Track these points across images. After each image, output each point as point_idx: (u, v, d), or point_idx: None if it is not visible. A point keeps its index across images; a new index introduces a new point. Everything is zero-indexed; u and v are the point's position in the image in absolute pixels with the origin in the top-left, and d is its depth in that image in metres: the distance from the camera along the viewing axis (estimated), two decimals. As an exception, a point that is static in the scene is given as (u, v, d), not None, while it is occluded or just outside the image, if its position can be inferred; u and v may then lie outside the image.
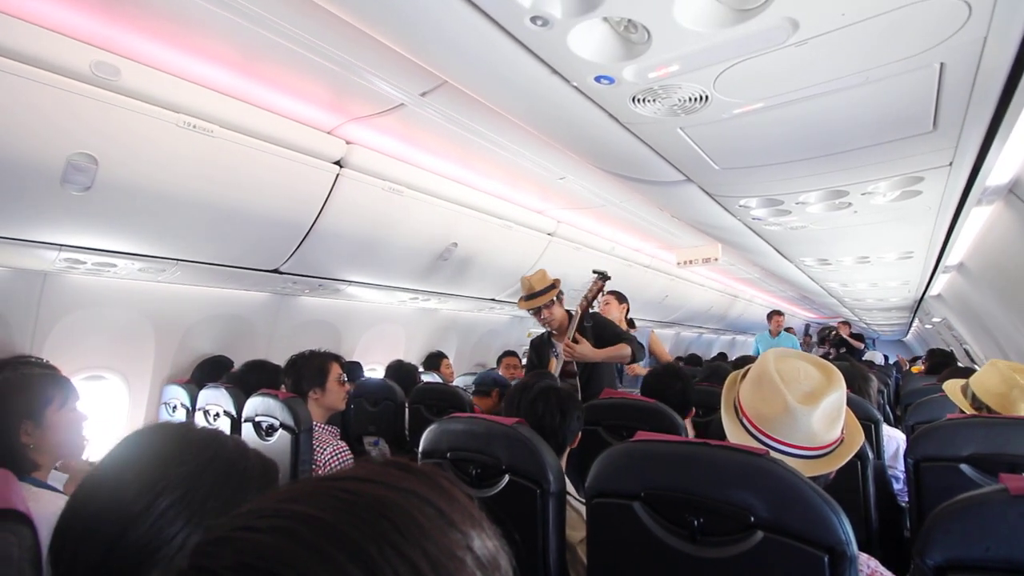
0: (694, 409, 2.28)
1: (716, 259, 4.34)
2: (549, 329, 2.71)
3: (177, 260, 2.44)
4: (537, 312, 2.61)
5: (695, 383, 2.44)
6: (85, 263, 2.28)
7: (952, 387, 1.97)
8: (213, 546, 0.29)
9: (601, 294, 2.62)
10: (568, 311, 2.72)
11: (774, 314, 6.27)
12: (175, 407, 2.78)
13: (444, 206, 3.00)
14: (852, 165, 1.97)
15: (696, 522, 0.91)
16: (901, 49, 1.20)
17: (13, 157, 1.71)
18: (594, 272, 2.66)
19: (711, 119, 1.57)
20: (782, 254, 3.89)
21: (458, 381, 4.35)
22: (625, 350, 2.54)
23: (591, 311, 2.74)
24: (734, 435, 1.06)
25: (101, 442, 1.75)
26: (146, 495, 0.59)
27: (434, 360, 4.39)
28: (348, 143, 2.43)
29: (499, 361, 4.71)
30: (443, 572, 0.30)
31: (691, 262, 4.52)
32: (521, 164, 2.69)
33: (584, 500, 1.43)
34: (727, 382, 1.20)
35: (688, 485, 0.92)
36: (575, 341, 2.57)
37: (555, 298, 2.62)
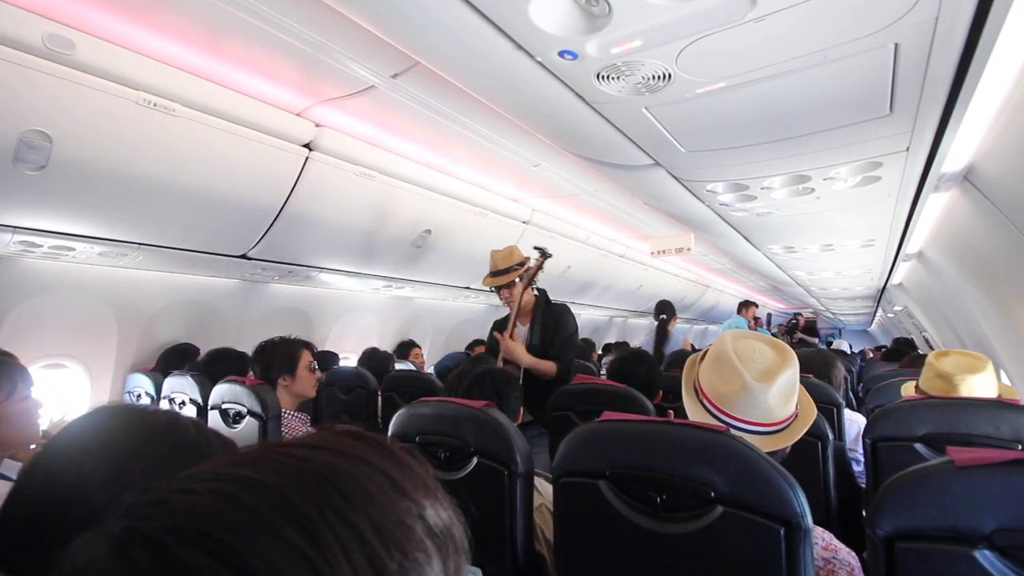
0: (661, 393, 2.33)
1: (689, 249, 4.40)
2: (511, 309, 2.53)
3: (139, 244, 2.36)
4: (499, 290, 2.51)
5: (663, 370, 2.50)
6: (41, 246, 2.19)
7: (908, 389, 2.06)
8: (148, 507, 0.28)
9: (541, 272, 2.45)
10: (540, 293, 2.57)
11: (750, 305, 6.35)
12: (139, 396, 2.70)
13: (418, 192, 2.97)
14: (813, 149, 2.00)
15: (659, 499, 0.93)
16: (857, 28, 1.22)
17: (-42, 133, 1.62)
18: (535, 248, 2.49)
19: (675, 98, 1.57)
20: (750, 242, 3.97)
21: (431, 369, 4.33)
22: (553, 368, 2.35)
23: (537, 291, 2.55)
24: (695, 415, 1.10)
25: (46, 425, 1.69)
26: (111, 487, 0.58)
27: (404, 349, 4.37)
28: (318, 126, 2.38)
29: (471, 348, 4.71)
30: (389, 538, 0.29)
31: (665, 252, 4.58)
32: (496, 151, 2.67)
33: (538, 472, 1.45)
34: (687, 364, 1.24)
35: (652, 463, 0.94)
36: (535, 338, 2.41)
37: (519, 278, 2.47)
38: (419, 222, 3.19)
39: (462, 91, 1.86)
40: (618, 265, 5.50)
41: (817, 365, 2.31)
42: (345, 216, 2.81)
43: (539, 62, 1.40)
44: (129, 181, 2.01)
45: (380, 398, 2.77)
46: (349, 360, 4.02)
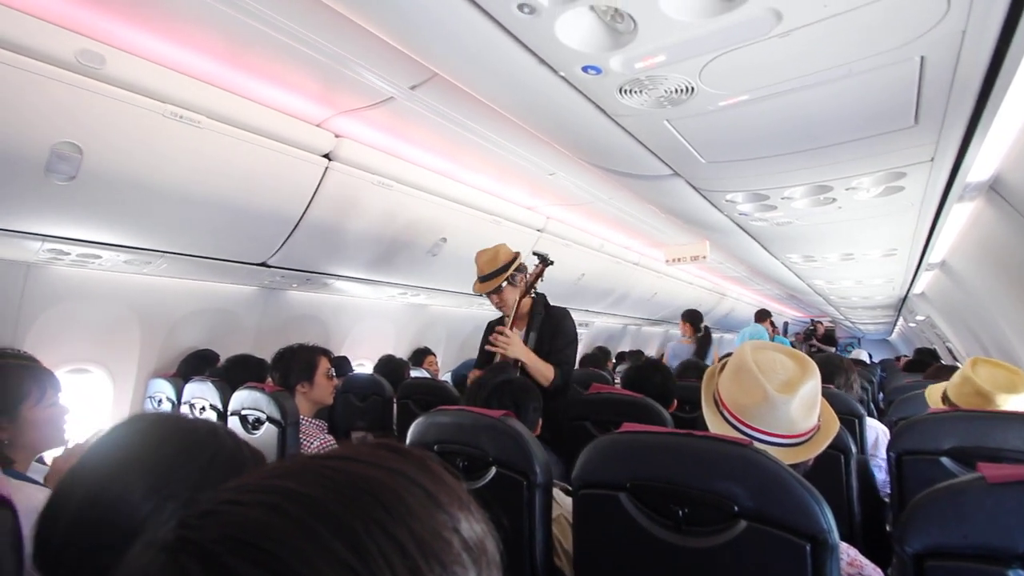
0: (676, 402, 2.31)
1: (704, 257, 4.37)
2: (504, 313, 2.35)
3: (163, 252, 2.41)
4: (489, 295, 2.33)
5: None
6: (69, 254, 2.25)
7: (933, 393, 2.01)
8: (199, 519, 0.29)
9: (541, 280, 2.29)
10: (538, 296, 2.38)
11: (766, 315, 6.29)
12: (160, 401, 2.75)
13: (433, 201, 2.99)
14: (836, 160, 1.99)
15: (681, 512, 0.92)
16: (882, 42, 1.22)
17: (-7, 145, 1.68)
18: (534, 254, 2.34)
19: (697, 111, 1.58)
20: (768, 251, 3.93)
21: (446, 377, 4.34)
22: (550, 372, 2.17)
23: (535, 294, 2.38)
24: (715, 426, 1.09)
25: (83, 436, 1.73)
26: (153, 497, 0.60)
27: (419, 356, 4.38)
28: (337, 136, 2.42)
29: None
30: (429, 551, 0.30)
31: (680, 260, 4.56)
32: (511, 159, 2.69)
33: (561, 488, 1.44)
34: (705, 375, 1.23)
35: (673, 475, 0.93)
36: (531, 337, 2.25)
37: (508, 280, 2.27)
38: (435, 230, 3.21)
39: (479, 101, 1.87)
40: (632, 273, 5.47)
41: (832, 369, 2.28)
42: (363, 225, 2.84)
43: (562, 77, 1.41)
44: (155, 191, 2.06)
45: (396, 405, 2.78)
46: (364, 367, 4.05)
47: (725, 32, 1.17)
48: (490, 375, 1.62)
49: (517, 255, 2.34)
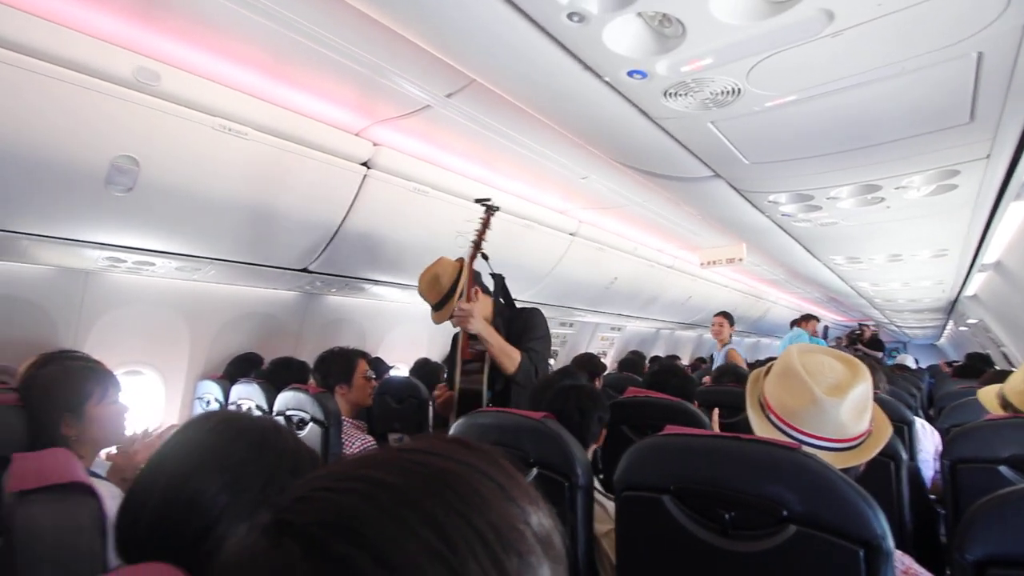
0: (718, 409, 2.27)
1: (741, 259, 4.28)
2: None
3: (211, 259, 2.52)
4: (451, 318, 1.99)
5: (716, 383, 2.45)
6: (125, 262, 2.37)
7: (987, 395, 1.92)
8: (297, 503, 0.31)
9: (488, 228, 2.01)
10: (504, 300, 2.16)
11: (811, 318, 6.12)
12: (208, 402, 2.86)
13: (467, 206, 3.03)
14: (886, 158, 1.93)
15: (727, 516, 0.91)
16: (937, 39, 1.19)
17: (61, 159, 1.79)
18: (476, 202, 2.06)
19: (743, 112, 1.56)
20: (811, 252, 3.82)
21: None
22: (516, 355, 1.92)
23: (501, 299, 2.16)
24: (761, 430, 1.08)
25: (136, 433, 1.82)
26: (227, 491, 0.64)
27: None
28: (375, 145, 2.48)
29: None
30: (506, 542, 0.31)
31: (715, 263, 4.48)
32: (544, 164, 2.70)
33: (604, 493, 1.44)
34: (750, 378, 1.22)
35: (719, 479, 0.92)
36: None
37: (463, 292, 1.97)
38: (469, 235, 3.24)
39: (513, 108, 1.90)
40: (666, 276, 5.40)
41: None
42: (399, 230, 2.90)
43: (606, 82, 1.42)
44: (205, 200, 2.16)
45: (431, 408, 2.82)
46: (400, 370, 4.12)
47: (775, 33, 1.16)
48: (556, 377, 1.62)
49: (460, 263, 2.04)
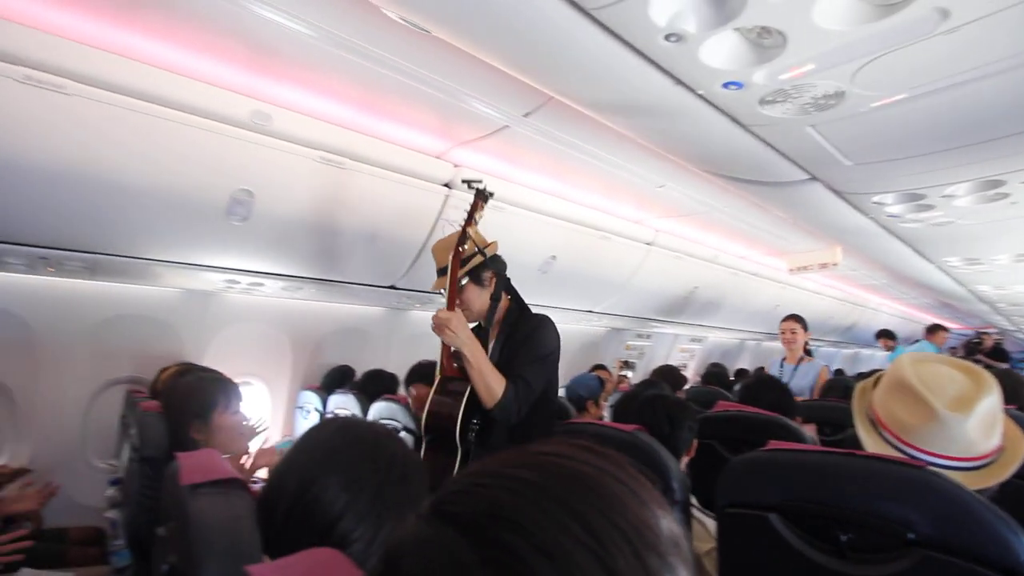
0: (814, 425, 2.13)
1: (836, 264, 4.00)
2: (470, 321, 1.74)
3: (312, 279, 2.74)
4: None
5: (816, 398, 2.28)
6: (240, 283, 2.64)
7: None
8: (455, 496, 0.35)
9: (479, 212, 1.72)
10: (513, 299, 1.82)
11: (938, 329, 5.54)
12: (308, 411, 3.09)
13: (543, 220, 3.08)
14: (1008, 152, 1.75)
15: (843, 537, 0.86)
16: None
17: (190, 195, 2.04)
18: (463, 182, 1.80)
19: (846, 114, 1.49)
20: (921, 254, 3.50)
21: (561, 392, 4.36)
22: (497, 385, 1.56)
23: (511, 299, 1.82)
24: (873, 447, 1.01)
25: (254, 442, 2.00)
26: (348, 491, 0.70)
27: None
28: (455, 166, 2.60)
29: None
30: (645, 542, 0.33)
31: (806, 268, 4.21)
32: (618, 174, 2.69)
33: (702, 509, 1.39)
34: (856, 392, 1.14)
35: (832, 497, 0.87)
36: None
37: (466, 279, 1.69)
38: (545, 249, 3.29)
39: (588, 122, 1.92)
40: (749, 284, 5.14)
41: (1011, 386, 1.97)
42: (479, 247, 2.99)
43: (699, 95, 1.42)
44: (307, 225, 2.36)
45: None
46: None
47: (884, 35, 1.11)
48: (641, 387, 1.60)
49: (487, 245, 1.73)
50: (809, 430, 1.83)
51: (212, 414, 1.72)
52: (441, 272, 1.73)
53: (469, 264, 1.68)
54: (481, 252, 1.69)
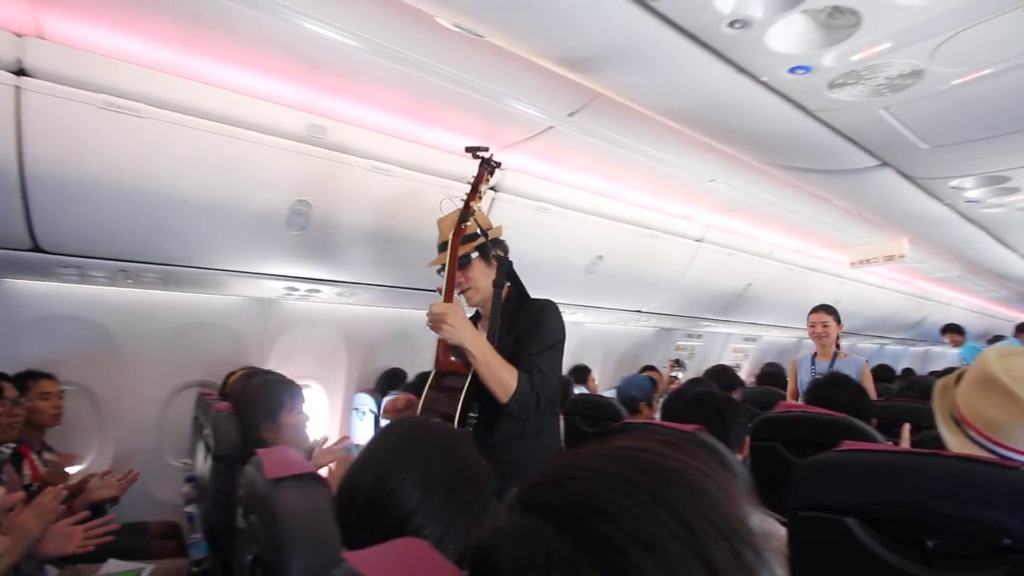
0: (875, 423, 1.99)
1: (902, 256, 3.77)
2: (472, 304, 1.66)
3: (365, 284, 2.82)
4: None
5: (892, 398, 2.14)
6: (299, 290, 2.76)
7: None
8: (544, 488, 0.36)
9: (484, 185, 1.56)
10: (512, 286, 1.64)
11: None
12: (364, 412, 3.18)
13: (589, 220, 3.06)
14: (1104, 128, 1.61)
15: (929, 543, 0.81)
16: None
17: (252, 207, 2.15)
18: (467, 151, 1.61)
19: (923, 94, 1.42)
20: (1002, 242, 3.26)
21: (611, 393, 4.32)
22: (511, 378, 1.41)
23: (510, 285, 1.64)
24: (957, 447, 0.96)
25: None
26: (420, 488, 0.73)
27: (581, 373, 4.43)
28: (502, 169, 2.61)
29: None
30: (739, 536, 0.33)
31: (869, 261, 3.99)
32: (667, 171, 2.64)
33: (766, 511, 1.34)
34: (937, 389, 1.09)
35: (915, 500, 0.83)
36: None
37: (475, 253, 1.58)
38: (591, 249, 3.27)
39: (636, 118, 1.89)
40: (807, 279, 4.92)
41: None
42: (523, 248, 3.00)
43: (763, 82, 1.38)
44: (360, 232, 2.44)
45: (563, 421, 2.85)
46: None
47: (967, 8, 1.04)
48: (688, 385, 1.58)
49: (467, 208, 1.55)
50: (906, 430, 1.67)
51: (280, 414, 1.81)
52: (442, 248, 1.61)
53: (474, 243, 1.57)
54: (483, 233, 1.56)
